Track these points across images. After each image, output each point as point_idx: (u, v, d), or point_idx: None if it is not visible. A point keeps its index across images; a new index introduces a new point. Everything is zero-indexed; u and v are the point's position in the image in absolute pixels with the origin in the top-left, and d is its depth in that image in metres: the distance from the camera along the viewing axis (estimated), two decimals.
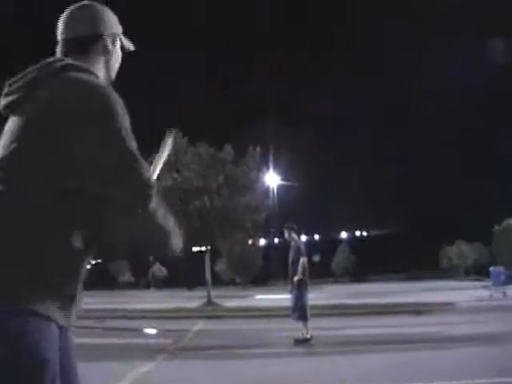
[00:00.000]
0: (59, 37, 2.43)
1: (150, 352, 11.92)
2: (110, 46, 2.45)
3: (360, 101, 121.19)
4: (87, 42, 2.40)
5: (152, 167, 2.64)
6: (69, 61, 2.31)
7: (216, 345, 13.54)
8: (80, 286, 2.18)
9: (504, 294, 30.12)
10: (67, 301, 2.13)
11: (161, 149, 2.85)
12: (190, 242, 30.61)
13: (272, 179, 58.08)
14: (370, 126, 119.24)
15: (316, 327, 13.67)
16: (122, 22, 2.50)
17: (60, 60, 2.28)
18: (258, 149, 30.71)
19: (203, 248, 31.26)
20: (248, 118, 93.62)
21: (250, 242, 39.33)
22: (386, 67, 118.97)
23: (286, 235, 13.89)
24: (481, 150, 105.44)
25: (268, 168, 47.15)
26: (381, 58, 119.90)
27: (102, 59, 2.43)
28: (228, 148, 30.35)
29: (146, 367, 9.73)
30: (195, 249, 33.66)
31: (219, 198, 29.10)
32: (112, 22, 2.49)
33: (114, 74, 2.51)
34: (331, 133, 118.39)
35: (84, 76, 2.22)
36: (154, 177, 2.55)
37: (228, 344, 13.58)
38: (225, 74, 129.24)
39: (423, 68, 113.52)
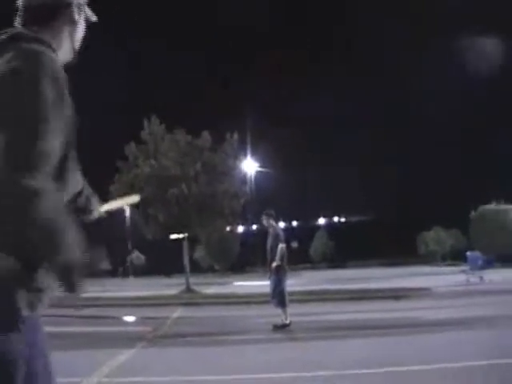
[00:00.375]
0: (20, 3, 2.29)
1: (129, 340, 11.91)
2: (77, 16, 2.33)
3: (360, 101, 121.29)
4: (53, 11, 2.27)
5: (108, 204, 2.59)
6: (20, 30, 2.20)
7: (195, 332, 13.53)
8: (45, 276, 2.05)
9: (481, 278, 30.39)
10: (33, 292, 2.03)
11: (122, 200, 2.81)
12: (167, 229, 30.67)
13: (250, 166, 58.26)
14: (370, 126, 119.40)
15: (295, 313, 13.71)
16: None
17: (11, 30, 2.18)
18: (236, 136, 30.66)
19: (181, 235, 31.23)
20: (227, 106, 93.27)
21: (228, 228, 39.34)
22: (385, 67, 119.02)
23: (265, 222, 13.90)
24: (481, 150, 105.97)
25: (246, 155, 47.27)
26: (381, 58, 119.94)
27: (66, 29, 2.31)
28: (205, 135, 30.26)
29: (125, 355, 9.71)
30: (173, 236, 33.62)
31: (197, 185, 29.02)
32: None
33: (77, 45, 2.38)
34: (331, 133, 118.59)
35: (33, 48, 2.07)
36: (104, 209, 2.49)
37: (207, 331, 13.58)
38: (225, 74, 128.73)
39: (423, 68, 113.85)
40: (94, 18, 2.46)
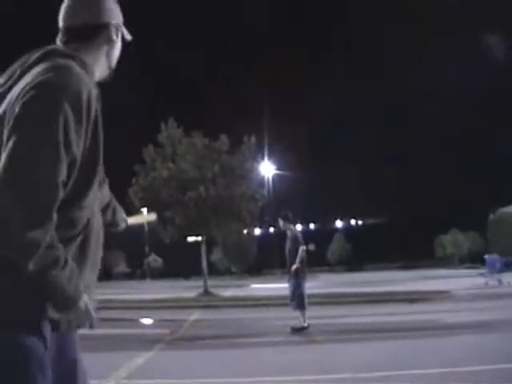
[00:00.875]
0: (61, 24, 2.37)
1: (146, 342, 11.94)
2: (114, 37, 2.42)
3: (360, 101, 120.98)
4: (92, 31, 2.35)
5: (131, 219, 2.64)
6: (55, 46, 2.28)
7: (213, 334, 13.55)
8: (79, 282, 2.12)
9: (499, 281, 30.16)
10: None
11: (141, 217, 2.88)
12: (184, 232, 30.76)
13: (267, 169, 58.25)
14: (370, 125, 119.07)
15: (312, 316, 13.68)
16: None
17: (48, 47, 2.25)
18: (253, 139, 30.68)
19: (199, 238, 31.28)
20: (245, 109, 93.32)
21: (245, 231, 39.35)
22: (386, 67, 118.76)
23: (282, 225, 13.86)
24: (481, 150, 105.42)
25: (263, 158, 47.26)
26: (381, 58, 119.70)
27: (104, 49, 2.39)
28: (223, 138, 30.30)
29: (142, 357, 9.73)
30: (191, 239, 33.69)
31: (214, 188, 29.06)
32: (116, 11, 2.46)
33: (113, 64, 2.46)
34: (331, 133, 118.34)
35: (61, 62, 2.14)
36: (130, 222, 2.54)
37: (225, 333, 13.59)
38: (225, 74, 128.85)
39: (423, 68, 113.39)
40: (129, 37, 2.53)
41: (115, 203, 2.77)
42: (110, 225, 2.73)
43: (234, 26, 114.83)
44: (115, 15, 2.43)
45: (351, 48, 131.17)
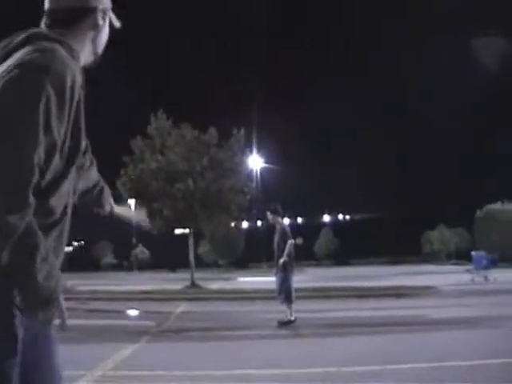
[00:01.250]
0: (46, 6, 2.31)
1: (133, 334, 11.94)
2: (101, 21, 2.35)
3: (359, 101, 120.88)
4: (77, 15, 2.29)
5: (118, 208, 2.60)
6: (40, 30, 2.23)
7: (199, 327, 13.55)
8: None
9: (485, 278, 30.30)
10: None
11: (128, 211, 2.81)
12: (172, 224, 30.71)
13: (256, 162, 58.33)
14: (369, 126, 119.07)
15: (300, 310, 13.70)
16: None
17: (31, 30, 2.19)
18: (242, 132, 30.66)
19: (187, 230, 31.26)
20: (233, 102, 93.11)
21: (232, 224, 39.34)
22: (384, 67, 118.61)
23: (270, 218, 13.83)
24: (480, 150, 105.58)
25: (252, 151, 47.26)
26: (379, 58, 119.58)
27: (89, 34, 2.33)
28: (212, 131, 30.26)
29: (129, 349, 9.73)
30: (178, 231, 33.64)
31: (203, 181, 29.02)
32: None
33: (100, 49, 2.40)
34: (316, 118, 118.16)
35: (47, 45, 2.08)
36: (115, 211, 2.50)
37: (211, 326, 13.60)
38: (225, 74, 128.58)
39: (422, 68, 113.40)
40: (117, 24, 2.48)
41: (103, 184, 2.73)
42: (94, 204, 2.70)
43: (234, 26, 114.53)
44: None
45: (350, 48, 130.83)
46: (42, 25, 2.30)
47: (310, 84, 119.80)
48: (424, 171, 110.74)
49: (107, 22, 2.41)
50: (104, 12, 2.37)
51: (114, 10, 2.47)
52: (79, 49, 2.28)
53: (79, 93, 2.09)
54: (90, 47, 2.35)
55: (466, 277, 31.37)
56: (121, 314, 17.20)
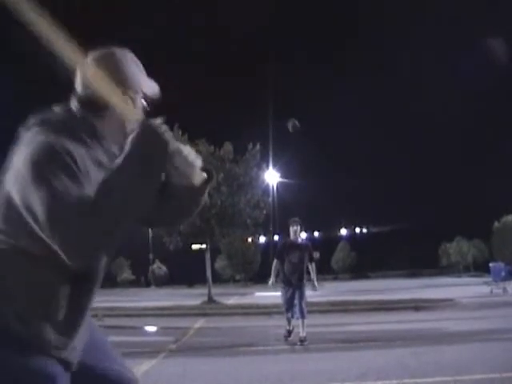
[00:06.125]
0: (75, 89, 2.29)
1: (150, 350, 11.93)
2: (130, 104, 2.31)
3: (374, 114, 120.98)
4: (105, 103, 2.24)
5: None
6: (49, 115, 2.21)
7: (217, 342, 13.52)
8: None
9: (504, 289, 30.09)
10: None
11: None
12: (188, 239, 30.71)
13: (272, 177, 58.29)
14: (384, 138, 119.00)
15: (317, 324, 13.67)
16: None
17: (45, 114, 2.21)
18: (258, 146, 30.71)
19: (203, 245, 31.28)
20: (249, 117, 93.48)
21: (249, 239, 39.35)
22: (386, 67, 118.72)
23: (297, 230, 13.46)
24: (480, 150, 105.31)
25: (268, 165, 47.26)
26: (381, 58, 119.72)
27: (117, 118, 2.29)
28: (227, 145, 30.33)
29: (146, 365, 9.73)
30: (195, 246, 33.65)
31: (219, 196, 29.08)
32: (134, 75, 2.35)
33: (129, 132, 2.22)
34: (331, 133, 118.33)
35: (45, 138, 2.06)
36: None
37: (229, 342, 13.56)
38: (225, 74, 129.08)
39: (423, 68, 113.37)
40: (147, 108, 2.44)
41: None
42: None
43: (234, 26, 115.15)
44: (132, 81, 2.32)
45: (351, 48, 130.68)
46: (71, 104, 2.29)
47: (325, 98, 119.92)
48: (440, 183, 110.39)
49: (138, 101, 2.37)
50: (135, 93, 2.34)
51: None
52: (105, 128, 2.28)
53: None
54: (118, 129, 2.31)
55: (485, 289, 31.18)
56: (138, 330, 17.22)
